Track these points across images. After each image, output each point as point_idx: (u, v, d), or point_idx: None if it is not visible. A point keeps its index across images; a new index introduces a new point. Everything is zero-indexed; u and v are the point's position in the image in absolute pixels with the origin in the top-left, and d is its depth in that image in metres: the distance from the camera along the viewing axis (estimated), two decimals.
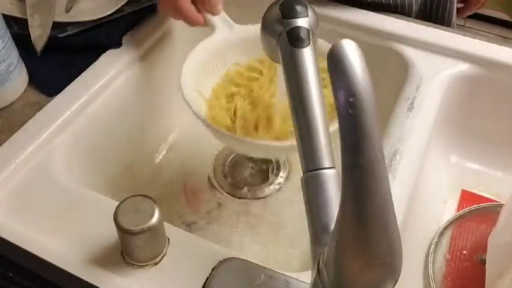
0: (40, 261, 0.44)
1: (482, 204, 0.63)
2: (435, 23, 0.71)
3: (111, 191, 0.61)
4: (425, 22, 0.68)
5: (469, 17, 0.88)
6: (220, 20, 0.60)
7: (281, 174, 0.69)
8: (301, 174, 0.35)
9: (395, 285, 0.29)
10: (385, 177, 0.25)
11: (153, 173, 0.70)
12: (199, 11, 0.59)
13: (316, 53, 0.40)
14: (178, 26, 0.71)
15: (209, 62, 0.59)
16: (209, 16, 0.60)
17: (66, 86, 0.58)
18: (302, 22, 0.40)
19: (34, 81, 0.60)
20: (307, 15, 0.41)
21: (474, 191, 0.66)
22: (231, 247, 0.62)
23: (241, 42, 0.60)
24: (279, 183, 0.68)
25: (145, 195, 0.41)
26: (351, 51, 0.24)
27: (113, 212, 0.40)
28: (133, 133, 0.67)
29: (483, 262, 0.56)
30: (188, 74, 0.55)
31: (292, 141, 0.51)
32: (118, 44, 0.63)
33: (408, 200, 0.50)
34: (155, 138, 0.72)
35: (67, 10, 0.67)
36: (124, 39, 0.64)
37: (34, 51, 0.61)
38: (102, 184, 0.61)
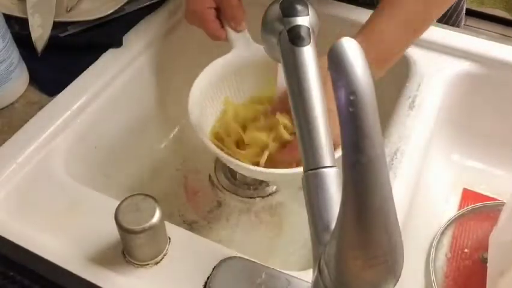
0: (41, 260, 0.44)
1: (484, 203, 0.63)
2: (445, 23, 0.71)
3: (112, 190, 0.61)
4: None
5: (470, 15, 0.88)
6: (239, 38, 0.59)
7: None
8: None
9: (396, 283, 0.29)
10: (386, 175, 0.25)
11: (154, 172, 0.70)
12: (222, 25, 0.60)
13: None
14: (178, 26, 0.71)
15: (219, 81, 0.59)
16: (230, 32, 0.59)
17: (66, 86, 0.58)
18: (303, 20, 0.40)
19: (35, 80, 0.60)
20: (308, 14, 0.41)
21: (475, 189, 0.66)
22: (232, 246, 0.62)
23: (256, 63, 0.59)
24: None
25: (146, 194, 0.41)
26: (351, 49, 0.24)
27: (114, 211, 0.40)
28: (134, 132, 0.67)
29: (484, 261, 0.56)
30: (196, 95, 0.55)
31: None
32: (118, 44, 0.63)
33: (409, 199, 0.50)
34: (156, 137, 0.72)
35: (68, 10, 0.67)
36: (125, 39, 0.64)
37: (35, 51, 0.61)
38: (103, 183, 0.61)
